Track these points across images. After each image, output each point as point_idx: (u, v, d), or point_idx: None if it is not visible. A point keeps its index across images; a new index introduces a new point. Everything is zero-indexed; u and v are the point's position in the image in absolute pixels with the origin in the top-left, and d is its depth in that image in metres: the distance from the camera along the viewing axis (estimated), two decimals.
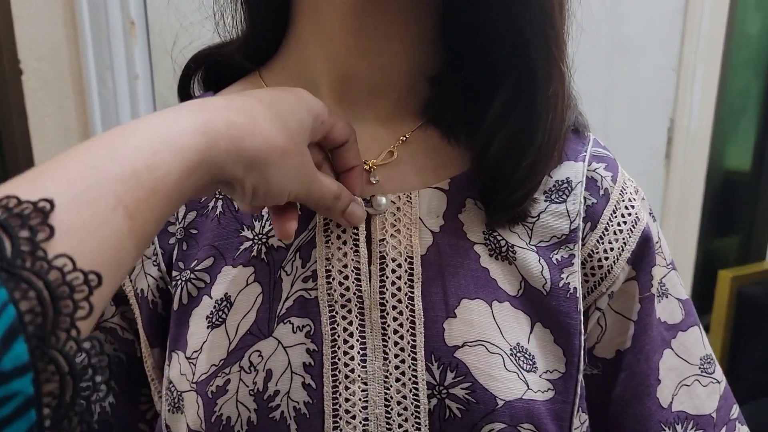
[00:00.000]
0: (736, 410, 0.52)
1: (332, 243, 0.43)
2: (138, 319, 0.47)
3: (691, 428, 0.49)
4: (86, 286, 0.23)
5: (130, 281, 0.46)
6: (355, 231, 0.44)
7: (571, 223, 0.46)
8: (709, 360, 0.51)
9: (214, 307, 0.43)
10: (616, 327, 0.48)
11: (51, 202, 0.24)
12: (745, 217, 2.23)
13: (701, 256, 2.04)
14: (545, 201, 0.46)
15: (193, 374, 0.42)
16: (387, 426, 0.41)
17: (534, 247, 0.45)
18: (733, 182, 2.21)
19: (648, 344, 0.48)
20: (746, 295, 1.94)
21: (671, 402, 0.49)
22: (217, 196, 0.46)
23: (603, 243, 0.47)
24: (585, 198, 0.47)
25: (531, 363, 0.43)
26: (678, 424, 0.48)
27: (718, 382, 0.51)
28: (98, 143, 0.28)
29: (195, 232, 0.45)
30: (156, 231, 0.29)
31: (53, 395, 0.22)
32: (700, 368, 0.50)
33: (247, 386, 0.41)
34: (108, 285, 0.25)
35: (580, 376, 0.44)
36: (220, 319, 0.43)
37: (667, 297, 0.50)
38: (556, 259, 0.45)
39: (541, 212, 0.46)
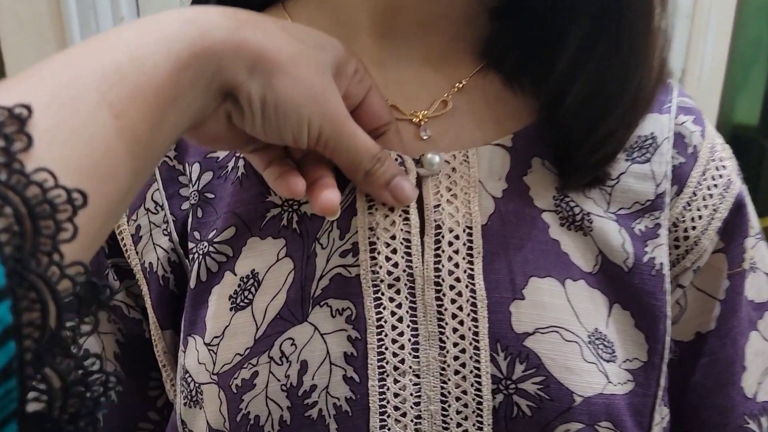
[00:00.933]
0: None
1: (376, 209, 0.37)
2: (146, 296, 0.40)
3: None
4: (70, 204, 0.21)
5: (137, 253, 0.40)
6: None
7: (657, 186, 0.39)
8: None
9: (239, 285, 0.37)
10: (698, 306, 0.43)
11: (28, 108, 0.21)
12: (753, 172, 2.19)
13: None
14: (626, 160, 0.39)
15: (214, 364, 0.36)
16: (443, 425, 0.35)
17: (613, 215, 0.39)
18: (741, 136, 2.16)
19: (736, 327, 0.42)
20: None
21: (756, 392, 0.43)
22: (237, 154, 0.39)
23: (690, 210, 0.40)
24: (672, 157, 0.40)
25: (610, 351, 0.37)
26: (763, 416, 0.43)
27: None
28: (78, 46, 0.25)
29: (212, 196, 0.39)
30: (153, 138, 0.26)
31: (35, 325, 0.20)
32: None
33: (279, 380, 0.34)
34: (98, 202, 0.23)
35: (664, 366, 0.38)
36: (245, 300, 0.36)
37: (755, 271, 0.44)
38: (639, 230, 0.39)
39: (622, 174, 0.39)
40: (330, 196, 0.33)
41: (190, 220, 0.39)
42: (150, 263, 0.39)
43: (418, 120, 0.39)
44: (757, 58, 2.15)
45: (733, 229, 0.42)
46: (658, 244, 0.39)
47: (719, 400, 0.43)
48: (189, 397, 0.38)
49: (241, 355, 0.35)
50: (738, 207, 0.42)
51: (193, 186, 0.39)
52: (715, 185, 0.41)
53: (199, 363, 0.37)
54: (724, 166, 0.42)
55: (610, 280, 0.38)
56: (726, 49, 1.93)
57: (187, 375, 0.37)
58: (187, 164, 0.39)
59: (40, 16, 1.01)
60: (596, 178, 0.38)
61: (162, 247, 0.39)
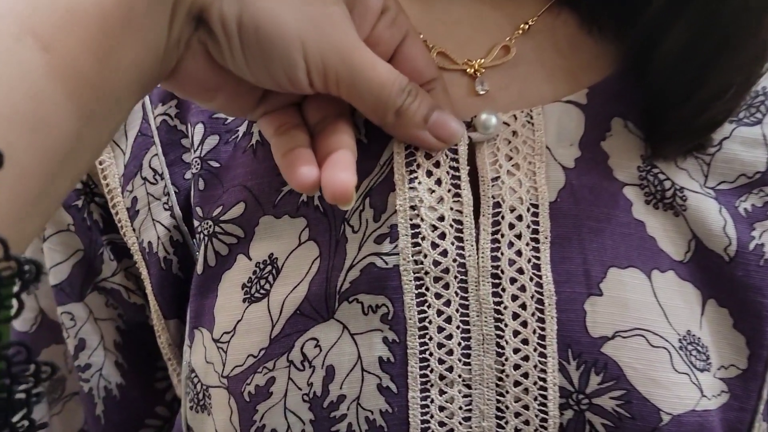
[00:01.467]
0: None
1: (420, 183, 0.30)
2: (146, 281, 0.35)
3: None
4: None
5: (134, 230, 0.34)
6: (455, 166, 0.30)
7: None
8: None
9: (254, 272, 0.31)
10: None
11: None
12: None
13: None
14: (730, 122, 0.32)
15: (224, 365, 0.30)
16: None
17: (712, 191, 0.32)
18: None
19: None
20: None
21: None
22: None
23: None
24: None
25: (704, 359, 0.30)
26: None
27: None
28: None
29: (216, 165, 0.32)
30: (102, 75, 0.21)
31: None
32: None
33: (300, 388, 0.29)
34: (27, 158, 0.19)
35: None
36: (261, 291, 0.30)
37: None
38: (745, 209, 0.32)
39: (725, 139, 0.32)
40: (342, 177, 0.26)
41: (192, 192, 0.33)
42: (149, 242, 0.34)
43: (472, 70, 0.32)
44: None
45: None
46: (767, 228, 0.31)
47: None
48: (196, 400, 0.32)
49: (254, 357, 0.30)
50: None
51: (195, 151, 0.33)
52: None
53: (207, 362, 0.31)
54: None
55: (705, 271, 0.31)
56: None
57: (194, 375, 0.32)
58: (189, 124, 0.33)
59: None
60: (696, 145, 0.31)
61: (163, 224, 0.33)
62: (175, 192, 0.33)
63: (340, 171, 0.26)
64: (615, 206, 0.31)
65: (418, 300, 0.29)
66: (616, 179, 0.31)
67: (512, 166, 0.31)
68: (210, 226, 0.31)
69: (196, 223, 0.32)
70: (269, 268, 0.30)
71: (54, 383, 0.41)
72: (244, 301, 0.30)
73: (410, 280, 0.29)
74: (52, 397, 0.41)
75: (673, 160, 0.32)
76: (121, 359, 0.39)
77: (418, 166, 0.30)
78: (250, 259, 0.31)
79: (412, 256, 0.29)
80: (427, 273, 0.29)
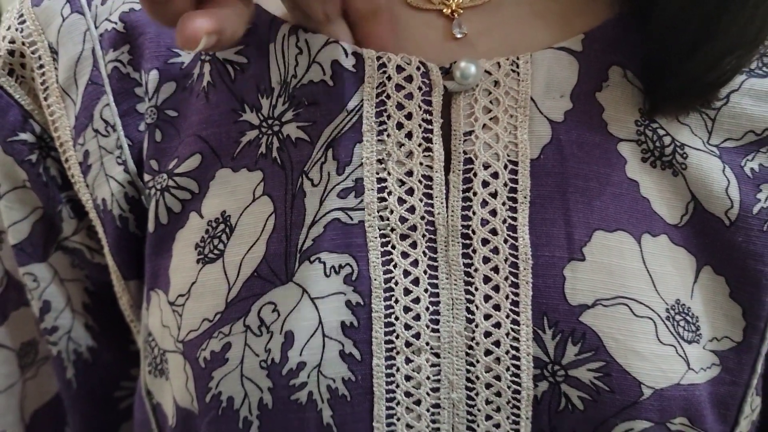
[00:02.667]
0: None
1: (389, 136, 0.28)
2: (103, 239, 0.33)
3: None
4: None
5: (87, 186, 0.32)
6: (427, 119, 0.28)
7: None
8: None
9: (207, 231, 0.29)
10: None
11: None
12: None
13: None
14: (740, 73, 0.29)
15: (179, 329, 0.29)
16: (469, 417, 0.27)
17: (716, 149, 0.29)
18: None
19: None
20: None
21: None
22: (202, 57, 0.30)
23: None
24: None
25: (694, 329, 0.28)
26: None
27: None
28: None
29: (174, 114, 0.30)
30: None
31: None
32: None
33: (257, 355, 0.27)
34: None
35: (764, 348, 0.30)
36: (215, 251, 0.28)
37: None
38: (752, 169, 0.29)
39: (733, 91, 0.29)
40: (199, 22, 0.22)
41: (146, 144, 0.31)
42: (103, 199, 0.32)
43: (449, 11, 0.29)
44: None
45: None
46: None
47: None
48: (154, 364, 0.31)
49: (210, 321, 0.28)
50: None
51: (150, 100, 0.31)
52: None
53: (163, 326, 0.30)
54: None
55: (701, 236, 0.29)
56: None
57: (151, 338, 0.31)
58: (143, 71, 0.31)
59: None
60: (704, 100, 0.28)
61: (116, 180, 0.31)
62: (128, 145, 0.31)
63: (200, 16, 0.22)
64: (606, 164, 0.28)
65: (384, 259, 0.27)
66: (611, 134, 0.29)
67: (490, 119, 0.28)
68: (164, 180, 0.30)
69: (147, 177, 0.30)
70: (222, 226, 0.29)
71: (26, 347, 0.40)
72: (197, 262, 0.29)
73: (375, 237, 0.27)
74: (25, 361, 0.40)
75: (675, 116, 0.29)
76: (91, 321, 0.37)
77: (389, 116, 0.28)
78: (201, 216, 0.29)
79: (378, 212, 0.27)
80: (393, 230, 0.27)
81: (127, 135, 0.31)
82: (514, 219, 0.27)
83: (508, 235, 0.27)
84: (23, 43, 0.32)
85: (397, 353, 0.27)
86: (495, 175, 0.28)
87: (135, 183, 0.32)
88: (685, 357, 0.28)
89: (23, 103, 0.33)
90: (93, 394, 0.39)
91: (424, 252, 0.27)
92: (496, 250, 0.27)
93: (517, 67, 0.28)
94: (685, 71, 0.27)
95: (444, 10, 0.29)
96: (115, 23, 0.31)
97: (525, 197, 0.27)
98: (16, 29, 0.33)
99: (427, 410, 0.28)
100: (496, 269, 0.27)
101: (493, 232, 0.27)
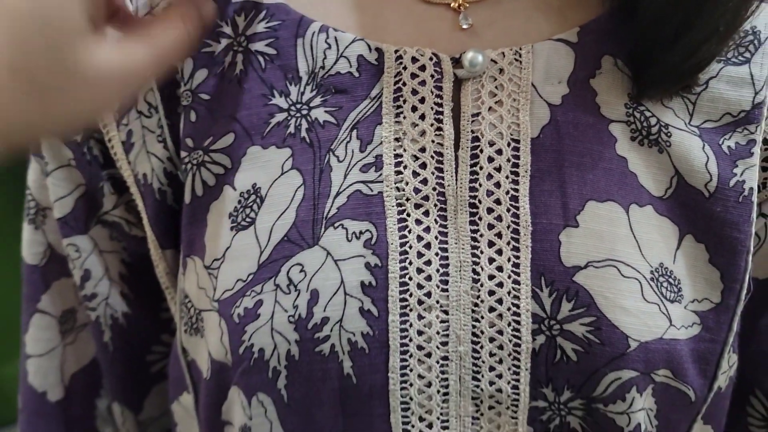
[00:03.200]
0: None
1: (405, 118, 0.31)
2: (143, 212, 0.36)
3: None
4: None
5: (129, 163, 0.35)
6: (438, 102, 0.31)
7: (756, 94, 0.32)
8: None
9: (239, 201, 0.32)
10: None
11: None
12: None
13: None
14: (718, 61, 0.32)
15: (214, 290, 0.32)
16: (474, 368, 0.31)
17: (696, 129, 0.32)
18: None
19: None
20: None
21: None
22: (235, 47, 0.33)
23: None
24: None
25: (676, 290, 0.31)
26: None
27: None
28: None
29: (207, 97, 0.33)
30: None
31: None
32: None
33: (286, 311, 0.30)
34: None
35: (740, 309, 0.33)
36: (247, 219, 0.32)
37: None
38: (729, 147, 0.32)
39: (712, 78, 0.32)
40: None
41: (182, 124, 0.34)
42: (144, 174, 0.35)
43: (457, 4, 0.32)
44: None
45: None
46: (749, 165, 0.32)
47: None
48: (190, 323, 0.34)
49: (243, 281, 0.31)
50: None
51: (185, 84, 0.34)
52: None
53: (199, 288, 0.33)
54: None
55: (684, 207, 0.32)
56: None
57: (187, 300, 0.34)
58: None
59: None
60: (683, 86, 0.31)
61: (157, 156, 0.35)
62: (168, 125, 0.35)
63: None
64: (599, 142, 0.32)
65: (399, 226, 0.31)
66: (603, 116, 0.32)
67: (495, 103, 0.31)
68: (199, 156, 0.33)
69: (184, 154, 0.34)
70: (253, 197, 0.32)
71: (66, 314, 0.43)
72: (231, 229, 0.32)
73: (392, 206, 0.31)
74: (65, 327, 0.43)
75: (660, 99, 0.32)
76: (126, 290, 0.41)
77: (405, 101, 0.32)
78: (234, 189, 0.32)
79: (395, 184, 0.31)
80: (408, 199, 0.31)
81: (167, 116, 0.34)
82: (516, 190, 0.31)
83: (511, 205, 0.30)
84: None
85: (411, 310, 0.30)
86: (499, 152, 0.31)
87: (173, 159, 0.35)
88: (667, 314, 0.31)
89: None
90: (127, 357, 0.42)
91: (435, 220, 0.31)
92: (499, 218, 0.30)
93: (520, 56, 0.32)
94: (667, 60, 0.30)
95: (452, 4, 0.33)
96: None
97: (526, 171, 0.31)
98: None
99: (437, 362, 0.31)
100: (499, 235, 0.30)
101: (497, 202, 0.31)
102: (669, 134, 0.32)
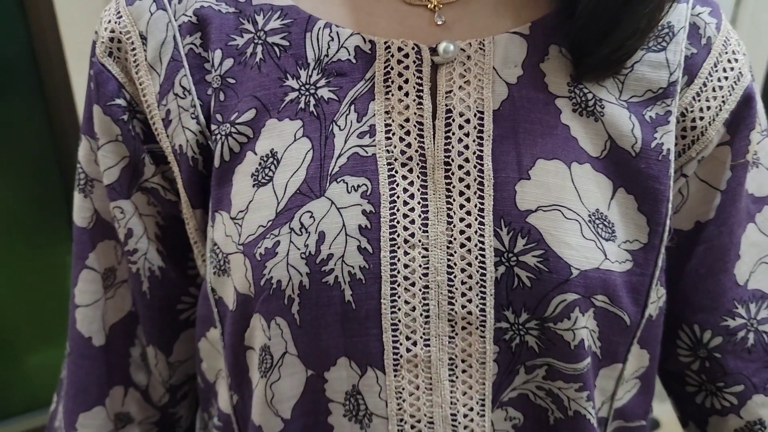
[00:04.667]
0: None
1: (393, 95, 0.38)
2: (178, 177, 0.43)
3: (766, 307, 0.45)
4: None
5: (167, 136, 0.42)
6: (419, 82, 0.38)
7: (671, 75, 0.39)
8: None
9: (260, 164, 0.39)
10: (700, 196, 0.43)
11: None
12: None
13: None
14: (641, 49, 0.39)
15: (239, 235, 0.39)
16: (449, 294, 0.38)
17: (624, 103, 0.39)
18: None
19: (734, 216, 0.43)
20: None
21: (748, 279, 0.45)
22: (255, 40, 0.40)
23: (699, 101, 0.41)
24: (684, 47, 0.40)
25: (610, 231, 0.38)
26: (752, 303, 0.45)
27: None
28: None
29: (233, 81, 0.40)
30: None
31: None
32: None
33: (298, 249, 0.37)
34: None
35: (663, 248, 0.40)
36: (266, 177, 0.39)
37: (757, 167, 0.44)
38: (650, 117, 0.39)
39: (636, 62, 0.39)
40: None
41: (212, 103, 0.40)
42: (180, 145, 0.42)
43: (432, 5, 0.39)
44: None
45: (739, 122, 0.42)
46: (667, 131, 0.39)
47: (711, 285, 0.44)
48: (218, 266, 0.41)
49: (264, 227, 0.38)
50: (746, 100, 0.42)
51: (215, 71, 0.40)
52: (726, 77, 0.41)
53: (226, 235, 0.40)
54: (736, 59, 0.42)
55: (616, 165, 0.39)
56: None
57: (216, 247, 0.41)
58: (210, 51, 0.41)
59: None
60: (614, 70, 0.38)
61: (190, 130, 0.41)
62: (200, 105, 0.41)
63: None
64: (547, 113, 0.38)
65: (389, 180, 0.37)
66: (550, 92, 0.39)
67: (464, 82, 0.39)
68: (227, 128, 0.39)
69: (213, 127, 0.40)
70: (271, 159, 0.38)
71: (107, 272, 0.50)
72: (253, 186, 0.39)
73: (384, 165, 0.37)
74: (107, 283, 0.50)
75: (596, 81, 0.39)
76: (161, 247, 0.47)
77: (392, 82, 0.39)
78: (255, 154, 0.39)
79: (386, 147, 0.38)
80: (396, 160, 0.38)
81: (198, 97, 0.41)
82: (481, 151, 0.38)
83: (477, 163, 0.38)
84: (120, 33, 0.42)
85: (398, 248, 0.38)
86: (468, 121, 0.38)
87: (204, 132, 0.41)
88: (603, 249, 0.38)
89: (118, 77, 0.43)
90: (161, 304, 0.49)
91: (417, 176, 0.38)
92: (468, 173, 0.38)
93: (483, 46, 0.39)
94: (600, 51, 0.37)
95: (428, 6, 0.39)
96: (190, 17, 0.41)
97: (489, 136, 0.38)
98: (115, 22, 0.43)
99: (420, 290, 0.38)
100: (468, 186, 0.37)
101: (466, 160, 0.38)
102: (603, 107, 0.39)
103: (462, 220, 0.37)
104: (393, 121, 0.38)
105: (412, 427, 0.39)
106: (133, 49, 0.42)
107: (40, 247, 1.23)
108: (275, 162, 0.39)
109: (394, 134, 0.38)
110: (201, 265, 0.46)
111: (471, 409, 0.39)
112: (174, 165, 0.43)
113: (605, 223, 0.38)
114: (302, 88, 0.39)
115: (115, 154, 0.45)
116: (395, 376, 0.38)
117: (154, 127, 0.43)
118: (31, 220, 1.21)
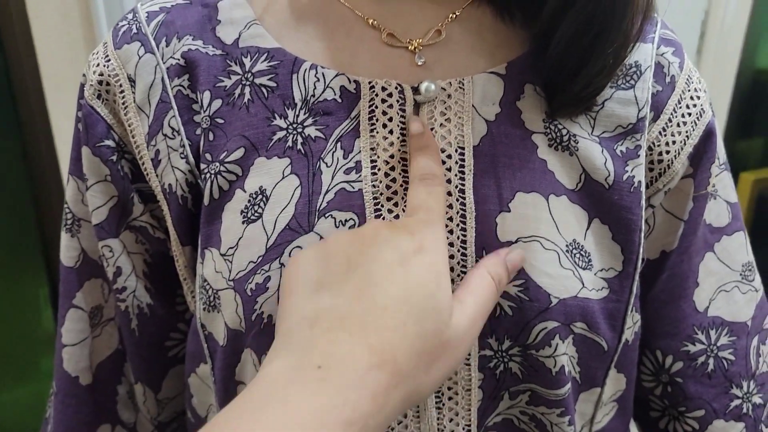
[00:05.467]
0: None
1: (377, 132, 0.40)
2: (167, 215, 0.44)
3: (725, 334, 0.47)
4: None
5: (157, 176, 0.43)
6: (403, 120, 0.40)
7: (639, 111, 0.42)
8: (750, 267, 0.49)
9: (249, 201, 0.40)
10: (666, 227, 0.46)
11: None
12: None
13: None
14: (611, 87, 0.42)
15: (230, 271, 0.40)
16: None
17: (597, 138, 0.41)
18: (763, 82, 2.11)
19: (693, 245, 0.46)
20: (767, 197, 1.91)
21: (708, 306, 0.47)
22: (243, 82, 0.42)
23: (665, 136, 0.43)
24: (651, 85, 0.42)
25: (587, 260, 0.40)
26: (712, 329, 0.47)
27: (756, 290, 0.49)
28: None
29: (222, 121, 0.41)
30: None
31: None
32: (741, 275, 0.48)
33: None
34: None
35: (637, 275, 0.42)
36: (255, 214, 0.40)
37: (716, 198, 0.47)
38: (621, 151, 0.41)
39: (606, 100, 0.42)
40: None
41: (201, 143, 0.41)
42: (169, 185, 0.43)
43: (413, 47, 0.41)
44: None
45: (701, 155, 0.44)
46: (637, 164, 0.41)
47: (672, 311, 0.46)
48: (208, 302, 0.42)
49: (254, 263, 0.39)
50: (708, 135, 0.44)
51: (204, 112, 0.41)
52: (689, 113, 0.44)
53: (216, 272, 0.41)
54: (698, 96, 0.44)
55: (591, 197, 0.41)
56: None
57: (206, 283, 0.41)
58: (198, 92, 0.42)
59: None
60: (585, 107, 0.41)
61: (180, 169, 0.42)
62: (188, 144, 0.42)
63: None
64: (524, 148, 0.40)
65: (375, 214, 0.39)
66: (527, 129, 0.40)
67: (445, 120, 0.40)
68: (216, 167, 0.40)
69: (203, 166, 0.41)
70: (260, 197, 0.39)
71: (94, 310, 0.50)
72: (243, 223, 0.40)
73: (370, 200, 0.39)
74: (93, 321, 0.50)
75: (569, 117, 0.42)
76: (149, 284, 0.48)
77: (377, 120, 0.40)
78: (244, 191, 0.40)
79: (371, 183, 0.39)
80: (381, 194, 0.39)
81: (187, 137, 0.42)
82: (463, 185, 0.39)
83: (459, 196, 0.39)
84: (109, 75, 0.43)
85: None
86: (449, 156, 0.40)
87: (193, 171, 0.42)
88: (580, 278, 0.40)
89: (107, 119, 0.44)
90: (150, 341, 0.49)
91: (402, 209, 0.39)
92: (450, 206, 0.39)
93: (463, 85, 0.40)
94: (571, 89, 0.39)
95: (409, 47, 0.41)
96: (178, 59, 0.42)
97: (470, 171, 0.39)
98: (104, 65, 0.44)
99: None
100: (450, 219, 0.39)
101: (449, 194, 0.39)
102: (577, 142, 0.41)
103: None
104: (378, 157, 0.39)
105: None
106: (122, 92, 0.43)
107: (12, 284, 1.21)
108: (264, 199, 0.40)
109: (379, 170, 0.39)
110: (190, 301, 0.47)
111: None
112: (163, 203, 0.44)
113: (582, 252, 0.40)
114: (290, 127, 0.40)
115: (104, 193, 0.45)
116: None
117: (144, 167, 0.44)
118: (4, 257, 1.20)
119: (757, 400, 0.48)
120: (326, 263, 0.32)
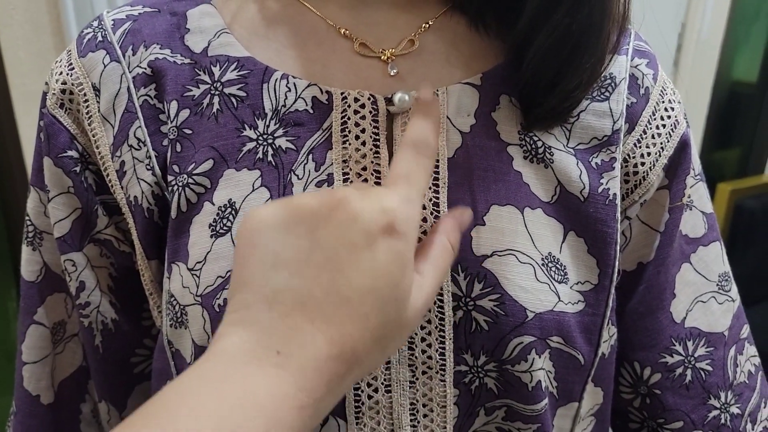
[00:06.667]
0: (746, 330, 0.50)
1: (350, 144, 0.39)
2: (132, 228, 0.42)
3: (702, 345, 0.47)
4: None
5: (122, 188, 0.42)
6: (376, 131, 0.39)
7: (614, 123, 0.41)
8: (726, 278, 0.49)
9: (217, 214, 0.39)
10: (642, 238, 0.45)
11: None
12: (748, 129, 2.19)
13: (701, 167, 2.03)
14: (586, 99, 0.41)
15: (197, 287, 0.38)
16: (409, 340, 0.38)
17: (572, 150, 0.41)
18: (739, 93, 2.15)
19: (670, 256, 0.45)
20: (744, 207, 1.93)
21: (685, 317, 0.47)
22: (212, 91, 0.40)
23: (640, 147, 0.43)
24: (625, 97, 0.42)
25: (562, 274, 0.39)
26: (689, 340, 0.47)
27: (733, 300, 0.49)
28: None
29: (190, 132, 0.40)
30: None
31: None
32: (717, 285, 0.48)
33: None
34: None
35: (613, 288, 0.41)
36: (224, 228, 0.38)
37: (691, 209, 0.47)
38: (596, 163, 0.41)
39: (582, 111, 0.41)
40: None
41: (169, 154, 0.40)
42: (135, 197, 0.41)
43: (386, 57, 0.40)
44: (758, 15, 2.13)
45: (677, 167, 0.44)
46: (612, 177, 0.41)
47: (649, 323, 0.46)
48: (174, 318, 0.40)
49: (222, 278, 0.38)
50: (683, 146, 0.44)
51: (171, 122, 0.40)
52: (664, 125, 0.43)
53: (183, 287, 0.39)
54: (672, 108, 0.44)
55: (566, 210, 0.40)
56: (727, 5, 1.92)
57: (172, 298, 0.40)
58: (165, 102, 0.41)
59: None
60: (558, 118, 0.40)
61: (146, 181, 0.41)
62: (155, 156, 0.41)
63: None
64: (499, 160, 0.39)
65: None
66: (502, 140, 0.40)
67: None
68: (184, 179, 0.39)
69: (170, 178, 0.40)
70: (229, 210, 0.38)
71: (56, 326, 0.48)
72: (211, 236, 0.38)
73: None
74: (56, 338, 0.48)
75: (544, 129, 0.41)
76: (114, 299, 0.46)
77: (349, 132, 0.39)
78: (213, 204, 0.39)
79: None
80: None
81: (154, 148, 0.41)
82: (437, 198, 0.38)
83: (433, 209, 0.38)
84: (72, 84, 0.42)
85: None
86: None
87: (159, 183, 0.41)
88: (556, 292, 0.39)
89: (70, 129, 0.42)
90: (114, 358, 0.47)
91: None
92: (425, 220, 0.38)
93: (437, 96, 0.40)
94: (547, 102, 0.39)
95: (382, 57, 0.41)
96: (145, 68, 0.41)
97: (444, 183, 0.38)
98: (67, 74, 0.42)
99: None
100: (425, 233, 0.38)
101: (423, 207, 0.38)
102: (552, 154, 0.40)
103: None
104: (350, 169, 0.38)
105: None
106: (86, 101, 0.42)
107: None
108: (233, 212, 0.38)
109: (351, 182, 0.38)
110: (157, 316, 0.45)
111: None
112: (128, 216, 0.42)
113: (558, 265, 0.39)
114: (260, 138, 0.39)
115: (67, 206, 0.44)
116: (357, 423, 0.38)
117: (108, 178, 0.42)
118: None
119: (734, 410, 0.48)
120: (286, 235, 0.29)
